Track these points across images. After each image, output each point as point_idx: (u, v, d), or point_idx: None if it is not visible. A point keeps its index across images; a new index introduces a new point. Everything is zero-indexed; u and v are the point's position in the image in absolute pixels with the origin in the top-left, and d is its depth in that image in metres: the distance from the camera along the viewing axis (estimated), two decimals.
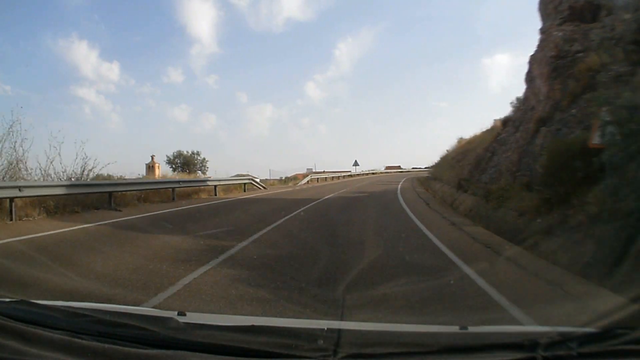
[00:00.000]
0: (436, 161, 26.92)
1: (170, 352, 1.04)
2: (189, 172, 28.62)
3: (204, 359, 1.02)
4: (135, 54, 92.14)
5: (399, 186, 21.81)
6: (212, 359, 1.02)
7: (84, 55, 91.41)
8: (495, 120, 17.11)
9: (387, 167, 57.77)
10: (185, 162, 32.25)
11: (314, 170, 42.51)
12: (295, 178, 31.39)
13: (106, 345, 1.05)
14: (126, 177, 14.89)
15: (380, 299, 3.24)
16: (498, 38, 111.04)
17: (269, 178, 30.69)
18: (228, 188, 17.96)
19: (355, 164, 43.55)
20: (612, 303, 2.89)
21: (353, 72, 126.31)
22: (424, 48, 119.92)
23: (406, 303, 3.17)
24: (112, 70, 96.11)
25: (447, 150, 25.55)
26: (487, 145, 12.23)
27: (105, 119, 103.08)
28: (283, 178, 32.21)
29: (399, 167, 62.88)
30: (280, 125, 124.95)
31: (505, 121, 12.10)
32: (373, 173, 49.23)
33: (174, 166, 32.22)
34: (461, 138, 23.20)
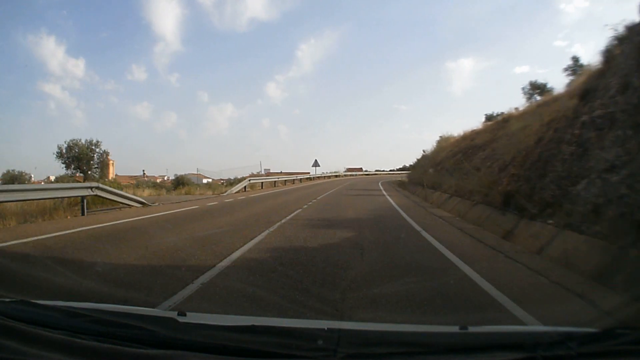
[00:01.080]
0: (412, 163, 26.68)
1: (170, 352, 1.04)
2: (82, 172, 21.49)
3: (204, 359, 1.02)
4: (101, 51, 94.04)
5: (391, 200, 13.43)
6: (212, 359, 1.02)
7: (51, 50, 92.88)
8: (541, 93, 15.61)
9: (349, 169, 52.31)
10: (77, 157, 22.35)
11: (270, 172, 38.50)
12: (242, 180, 22.96)
13: (106, 345, 1.05)
14: None
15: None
16: (463, 42, 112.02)
17: (229, 178, 27.82)
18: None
19: (315, 164, 37.04)
20: None
21: (314, 73, 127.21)
22: (386, 51, 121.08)
23: None
24: (78, 67, 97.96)
25: (423, 151, 24.65)
26: (551, 134, 6.76)
27: (70, 115, 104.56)
28: (223, 182, 27.40)
29: (360, 169, 58.81)
30: (240, 125, 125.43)
31: (586, 93, 6.32)
32: (336, 176, 43.08)
33: (66, 162, 22.36)
34: (448, 135, 20.22)
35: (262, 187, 22.88)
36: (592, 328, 1.21)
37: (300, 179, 31.77)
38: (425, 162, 21.09)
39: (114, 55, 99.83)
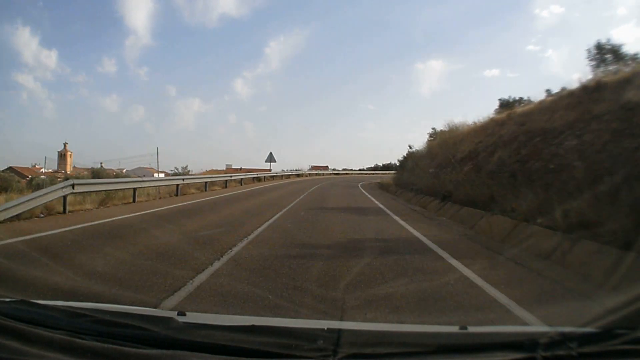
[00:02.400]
0: (399, 162, 23.39)
1: (170, 352, 1.04)
2: None
3: (204, 359, 1.02)
4: (73, 42, 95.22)
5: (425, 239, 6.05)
6: (212, 359, 1.02)
7: (25, 41, 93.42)
8: None
9: (314, 167, 47.43)
10: None
11: (232, 168, 34.34)
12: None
13: (106, 345, 1.05)
14: None
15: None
16: (433, 44, 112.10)
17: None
18: None
19: (270, 158, 28.77)
20: None
21: (282, 70, 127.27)
22: (356, 51, 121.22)
23: None
24: (51, 58, 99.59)
25: (410, 147, 22.53)
26: None
27: (41, 106, 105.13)
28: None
29: (326, 167, 50.99)
30: (207, 120, 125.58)
31: None
32: (298, 175, 36.01)
33: None
34: (459, 123, 15.52)
35: (175, 195, 13.89)
36: (592, 328, 1.21)
37: (254, 177, 25.14)
38: (423, 161, 16.34)
39: (85, 47, 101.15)
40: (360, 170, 57.64)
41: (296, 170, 37.03)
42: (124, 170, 42.26)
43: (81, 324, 1.18)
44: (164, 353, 1.03)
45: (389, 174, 47.27)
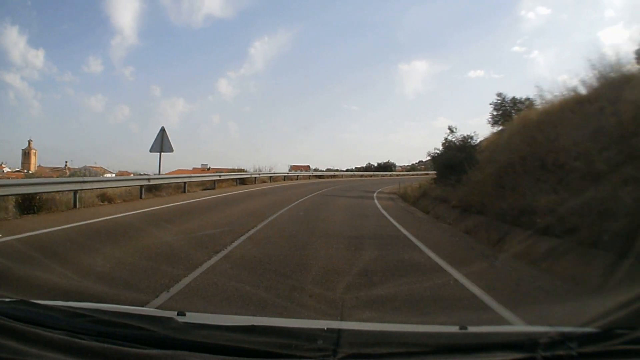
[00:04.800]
0: (432, 159, 14.94)
1: (170, 352, 1.04)
2: None
3: (204, 359, 1.02)
4: (60, 42, 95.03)
5: None
6: (212, 359, 1.02)
7: (13, 41, 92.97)
8: None
9: (294, 167, 38.59)
10: None
11: (210, 168, 27.65)
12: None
13: (106, 345, 1.05)
14: None
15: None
16: (417, 44, 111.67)
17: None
18: None
19: (161, 144, 14.38)
20: None
21: (266, 71, 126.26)
22: (340, 52, 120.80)
23: None
24: (38, 57, 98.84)
25: (474, 139, 12.18)
26: None
27: (28, 106, 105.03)
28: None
29: (307, 167, 41.83)
30: (191, 121, 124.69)
31: None
32: (271, 177, 24.60)
33: None
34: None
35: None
36: (592, 328, 1.21)
37: (218, 179, 17.97)
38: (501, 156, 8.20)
39: (72, 47, 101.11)
40: (349, 171, 45.24)
41: (270, 172, 24.18)
42: (68, 171, 37.84)
43: (81, 324, 1.17)
44: (164, 353, 1.03)
45: (390, 176, 40.59)
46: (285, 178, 26.47)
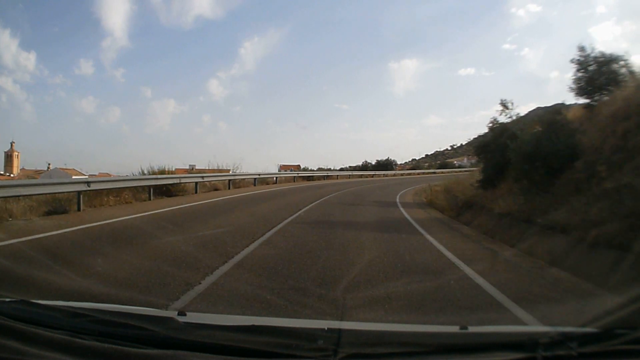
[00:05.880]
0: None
1: (170, 352, 1.04)
2: None
3: (204, 359, 1.02)
4: (51, 45, 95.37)
5: None
6: (212, 359, 1.02)
7: (5, 44, 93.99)
8: None
9: (283, 167, 34.54)
10: None
11: (196, 168, 20.94)
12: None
13: (106, 345, 1.05)
14: None
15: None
16: (407, 43, 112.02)
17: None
18: None
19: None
20: None
21: (257, 71, 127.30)
22: (330, 51, 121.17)
23: None
24: (29, 60, 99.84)
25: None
26: None
27: (20, 108, 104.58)
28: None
29: (298, 166, 37.24)
30: (181, 121, 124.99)
31: None
32: (261, 176, 19.68)
33: None
34: None
35: None
36: (592, 328, 1.21)
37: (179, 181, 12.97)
38: None
39: (63, 49, 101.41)
40: (343, 170, 38.45)
41: (254, 172, 19.28)
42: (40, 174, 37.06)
43: (81, 324, 1.18)
44: (165, 353, 1.03)
45: (393, 176, 35.56)
46: (256, 182, 18.66)
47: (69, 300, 1.54)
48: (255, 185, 18.68)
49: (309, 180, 26.20)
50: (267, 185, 19.94)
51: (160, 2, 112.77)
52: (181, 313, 1.38)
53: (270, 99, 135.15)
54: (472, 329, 1.28)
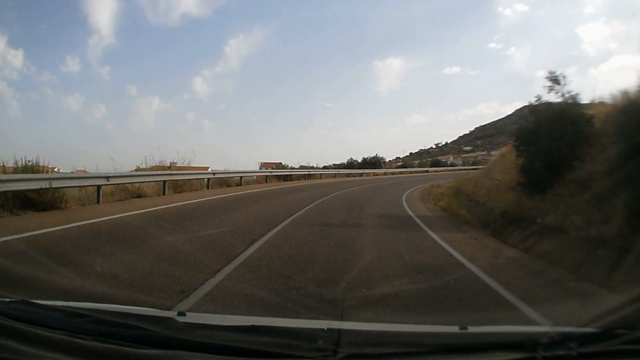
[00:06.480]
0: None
1: (170, 352, 1.04)
2: None
3: (204, 359, 1.02)
4: (39, 42, 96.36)
5: None
6: (212, 359, 1.02)
7: None
8: None
9: (265, 164, 32.26)
10: None
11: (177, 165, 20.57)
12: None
13: (106, 345, 1.05)
14: None
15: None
16: (392, 42, 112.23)
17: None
18: None
19: None
20: None
21: (242, 69, 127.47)
22: (315, 49, 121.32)
23: None
24: (17, 58, 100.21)
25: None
26: None
27: (7, 106, 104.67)
28: None
29: (280, 163, 33.51)
30: (166, 119, 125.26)
31: None
32: (213, 175, 15.40)
33: None
34: None
35: None
36: (592, 328, 1.21)
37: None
38: None
39: (50, 46, 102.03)
40: (327, 168, 34.68)
41: (223, 171, 16.99)
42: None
43: (81, 324, 1.18)
44: (164, 353, 1.03)
45: (384, 174, 33.60)
46: (209, 183, 14.62)
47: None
48: (208, 188, 14.18)
49: (287, 181, 21.41)
50: (227, 189, 15.13)
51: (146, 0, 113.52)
52: (181, 313, 1.38)
53: (254, 97, 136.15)
54: (471, 329, 1.28)
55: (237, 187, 16.29)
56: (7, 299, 1.36)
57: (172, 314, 1.39)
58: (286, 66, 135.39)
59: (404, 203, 11.56)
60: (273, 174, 21.17)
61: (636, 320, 1.33)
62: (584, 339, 1.10)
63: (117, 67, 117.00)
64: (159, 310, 1.67)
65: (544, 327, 1.34)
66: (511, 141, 8.32)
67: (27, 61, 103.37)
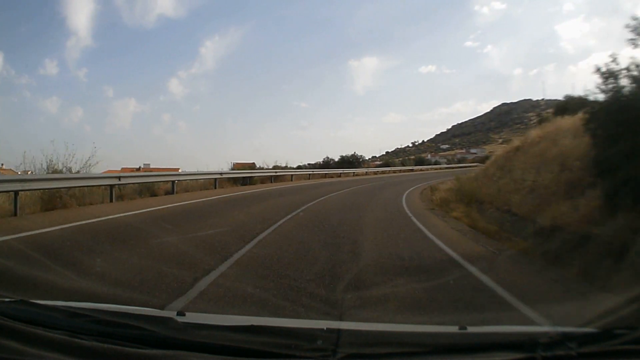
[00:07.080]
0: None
1: (170, 352, 1.04)
2: None
3: (204, 359, 1.03)
4: (19, 45, 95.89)
5: None
6: (212, 359, 1.02)
7: None
8: None
9: (237, 164, 27.82)
10: None
11: (150, 167, 21.72)
12: None
13: (106, 345, 1.05)
14: None
15: None
16: (368, 41, 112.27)
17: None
18: None
19: None
20: None
21: (217, 69, 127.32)
22: (290, 49, 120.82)
23: None
24: None
25: None
26: None
27: None
28: None
29: (253, 164, 28.92)
30: (142, 120, 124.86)
31: None
32: (119, 180, 9.66)
33: None
34: None
35: None
36: (592, 328, 1.21)
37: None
38: None
39: (30, 49, 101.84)
40: (300, 168, 31.76)
41: (185, 172, 14.49)
42: None
43: (81, 324, 1.18)
44: (164, 353, 1.03)
45: (365, 174, 30.59)
46: (113, 193, 9.46)
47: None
48: (112, 201, 9.35)
49: (245, 185, 16.59)
50: (150, 199, 10.30)
51: (123, 1, 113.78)
52: (180, 313, 1.38)
53: (228, 98, 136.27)
54: (471, 329, 1.28)
55: (168, 195, 11.41)
56: (7, 299, 1.37)
57: (171, 314, 1.39)
58: (260, 66, 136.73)
59: (415, 220, 7.23)
60: (224, 177, 15.59)
61: (636, 321, 1.33)
62: (584, 339, 1.10)
63: (94, 69, 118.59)
64: (158, 310, 1.67)
65: (543, 327, 1.34)
66: (581, 118, 5.37)
67: (7, 64, 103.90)
